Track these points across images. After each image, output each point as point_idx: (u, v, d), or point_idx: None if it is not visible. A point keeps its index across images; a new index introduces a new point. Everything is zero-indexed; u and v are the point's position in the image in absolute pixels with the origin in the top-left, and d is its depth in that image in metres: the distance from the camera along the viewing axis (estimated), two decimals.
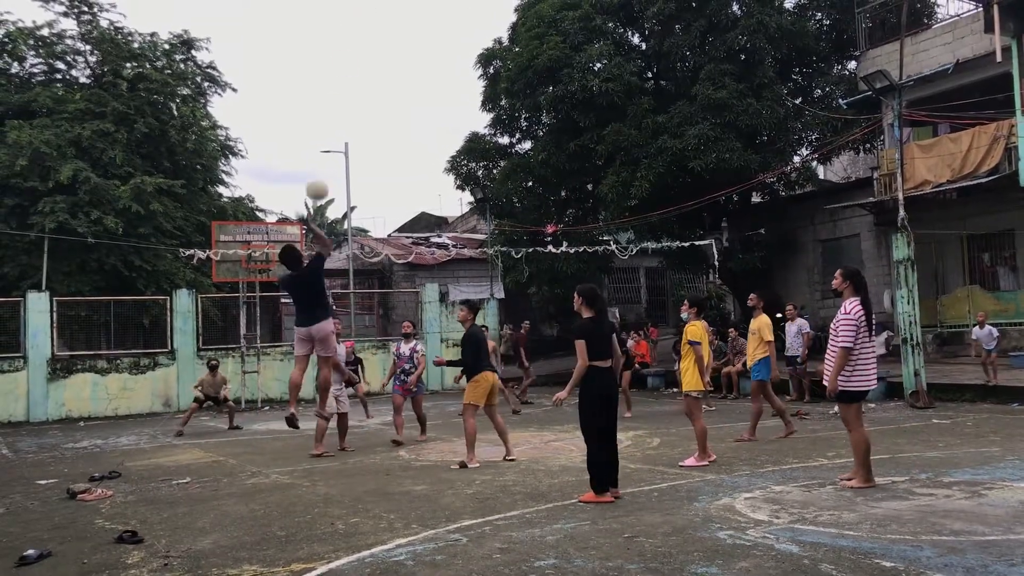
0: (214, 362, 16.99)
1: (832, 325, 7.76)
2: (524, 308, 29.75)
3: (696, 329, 9.50)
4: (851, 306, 7.58)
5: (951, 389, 14.86)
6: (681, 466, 9.18)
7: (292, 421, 9.00)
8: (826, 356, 7.82)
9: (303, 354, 9.28)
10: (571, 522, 6.72)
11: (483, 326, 11.98)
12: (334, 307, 25.24)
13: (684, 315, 10.19)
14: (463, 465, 9.78)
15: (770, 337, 11.23)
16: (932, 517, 6.35)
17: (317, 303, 9.25)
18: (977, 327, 15.07)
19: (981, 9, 18.18)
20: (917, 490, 7.40)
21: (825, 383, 7.79)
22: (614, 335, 7.91)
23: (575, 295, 7.89)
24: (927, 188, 18.88)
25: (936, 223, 19.05)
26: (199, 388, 16.57)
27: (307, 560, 5.94)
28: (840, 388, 7.59)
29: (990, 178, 17.85)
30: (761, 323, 11.26)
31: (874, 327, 7.62)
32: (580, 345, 7.54)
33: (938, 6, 22.82)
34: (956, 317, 19.75)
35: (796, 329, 15.98)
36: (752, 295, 12.02)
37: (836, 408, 13.74)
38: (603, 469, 7.54)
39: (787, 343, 16.19)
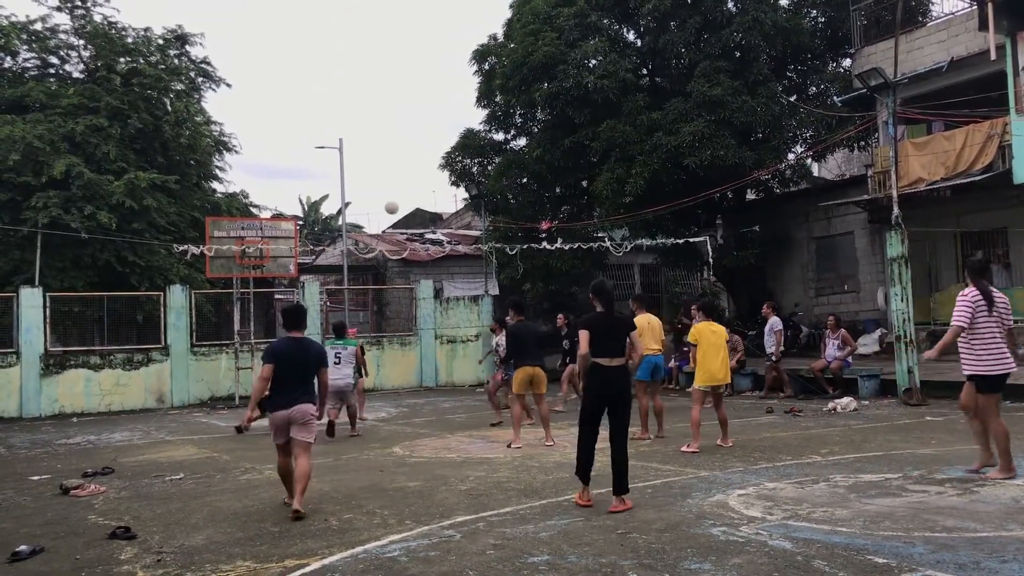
0: None
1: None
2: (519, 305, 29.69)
3: (693, 331, 10.49)
4: (968, 290, 7.94)
5: (944, 386, 14.87)
6: (681, 451, 10.12)
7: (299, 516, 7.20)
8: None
9: (283, 442, 7.60)
10: (565, 518, 6.73)
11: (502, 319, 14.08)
12: (328, 304, 25.29)
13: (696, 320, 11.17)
14: (509, 445, 10.96)
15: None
16: (925, 514, 6.37)
17: (306, 382, 7.67)
18: None
19: (975, 7, 18.20)
20: (910, 487, 7.43)
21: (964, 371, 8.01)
22: (632, 333, 7.55)
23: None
24: (921, 186, 18.91)
25: (930, 221, 19.08)
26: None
27: (300, 556, 5.94)
28: (974, 373, 7.77)
29: (984, 176, 17.88)
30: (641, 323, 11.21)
31: (996, 310, 7.84)
32: (582, 334, 7.35)
33: (933, 4, 22.83)
34: (950, 315, 19.69)
35: (769, 327, 16.49)
36: (632, 299, 12.44)
37: (830, 405, 13.86)
38: (587, 468, 7.23)
39: (764, 340, 16.51)
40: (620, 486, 7.07)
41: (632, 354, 7.49)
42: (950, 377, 15.23)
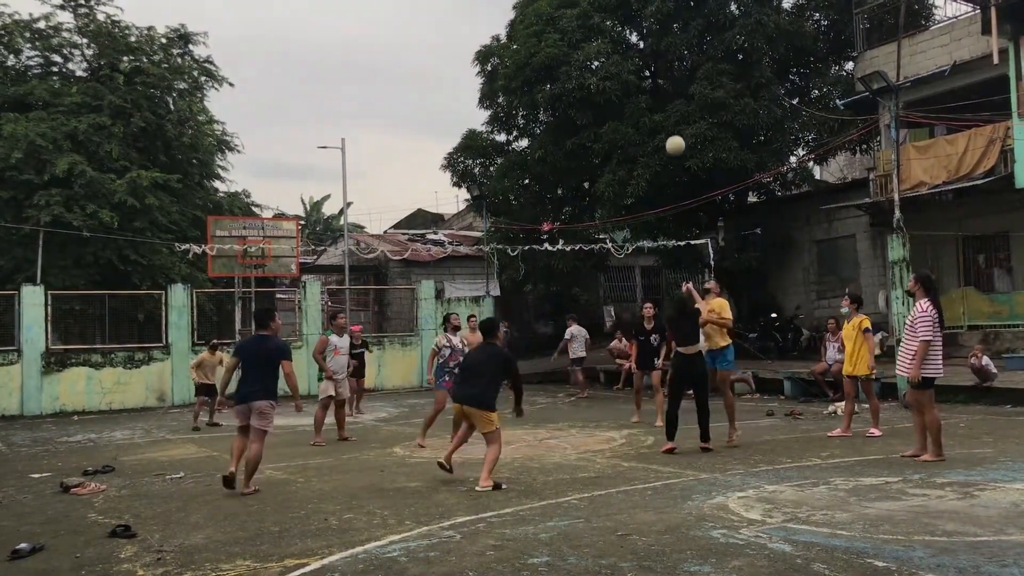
0: (215, 341, 16.75)
1: (908, 322, 9.10)
2: (520, 306, 29.72)
3: (867, 320, 11.35)
4: (926, 304, 8.88)
5: (945, 390, 14.80)
6: (829, 436, 11.13)
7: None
8: (900, 351, 9.34)
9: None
10: (565, 520, 6.73)
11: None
12: (329, 303, 25.29)
13: (844, 309, 11.87)
14: None
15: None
16: (925, 518, 6.37)
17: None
18: (974, 359, 14.62)
19: (979, 11, 18.22)
20: (910, 490, 7.43)
21: (900, 372, 9.47)
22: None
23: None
24: (923, 189, 18.91)
25: (931, 224, 19.07)
26: (196, 368, 15.73)
27: (300, 556, 5.94)
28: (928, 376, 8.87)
29: (986, 180, 17.88)
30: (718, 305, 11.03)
31: (943, 323, 8.97)
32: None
33: (936, 8, 22.85)
34: (951, 319, 19.66)
35: (571, 334, 19.25)
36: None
37: (831, 408, 13.85)
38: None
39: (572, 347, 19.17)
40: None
41: None
42: (952, 381, 15.23)
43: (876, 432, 11.09)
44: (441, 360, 11.68)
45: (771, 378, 17.93)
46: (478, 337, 16.24)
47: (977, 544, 5.60)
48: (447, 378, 11.45)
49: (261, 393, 8.70)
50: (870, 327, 11.39)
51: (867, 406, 11.93)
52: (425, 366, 23.34)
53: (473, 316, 17.73)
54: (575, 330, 19.40)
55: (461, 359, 10.80)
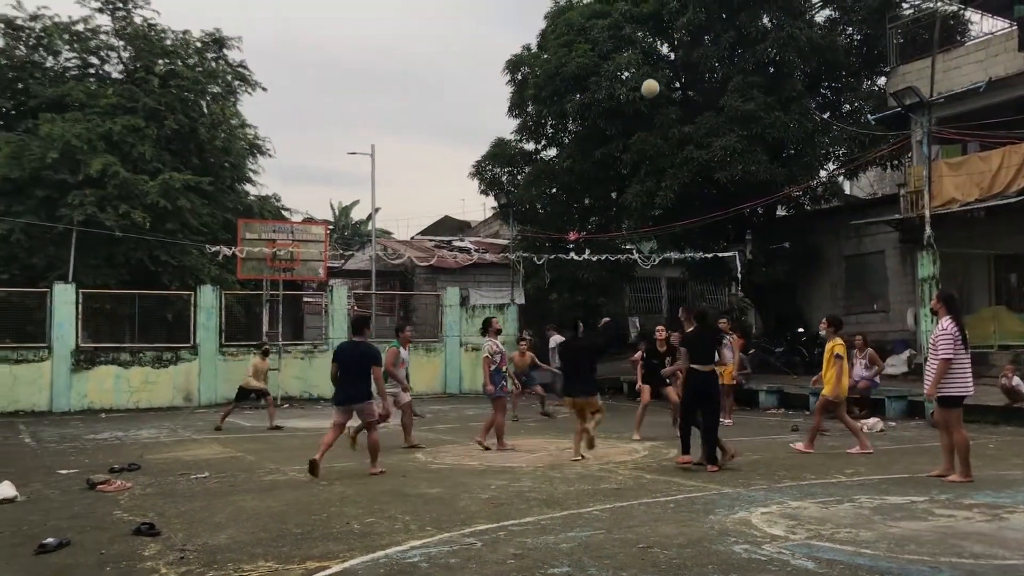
0: (267, 347, 17.11)
1: (931, 340, 9.03)
2: (545, 314, 29.68)
3: (842, 346, 11.10)
4: (947, 323, 8.85)
5: (973, 410, 14.59)
6: (792, 447, 11.24)
7: None
8: (926, 369, 9.33)
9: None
10: (586, 530, 6.72)
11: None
12: (355, 308, 25.42)
13: (822, 332, 11.62)
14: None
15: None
16: (951, 539, 6.29)
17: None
18: (1005, 379, 14.36)
19: (1015, 27, 18.02)
20: (937, 511, 7.33)
21: (925, 390, 9.20)
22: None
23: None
24: (954, 206, 18.68)
25: (963, 242, 18.83)
26: (253, 376, 15.83)
27: (322, 558, 5.97)
28: (942, 395, 8.77)
29: (1020, 198, 17.64)
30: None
31: (968, 341, 8.88)
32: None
33: (971, 23, 22.62)
34: (980, 337, 19.43)
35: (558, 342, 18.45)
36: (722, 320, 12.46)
37: (857, 423, 13.72)
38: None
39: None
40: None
41: None
42: (982, 401, 15.02)
43: (802, 448, 11.09)
44: (493, 367, 11.97)
45: (797, 393, 17.77)
46: (528, 359, 16.55)
47: (1005, 567, 5.52)
48: (504, 383, 12.25)
49: (358, 396, 9.79)
50: (842, 354, 11.08)
51: (866, 421, 11.87)
52: (449, 373, 23.72)
53: (524, 340, 18.48)
54: (557, 340, 19.30)
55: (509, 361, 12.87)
